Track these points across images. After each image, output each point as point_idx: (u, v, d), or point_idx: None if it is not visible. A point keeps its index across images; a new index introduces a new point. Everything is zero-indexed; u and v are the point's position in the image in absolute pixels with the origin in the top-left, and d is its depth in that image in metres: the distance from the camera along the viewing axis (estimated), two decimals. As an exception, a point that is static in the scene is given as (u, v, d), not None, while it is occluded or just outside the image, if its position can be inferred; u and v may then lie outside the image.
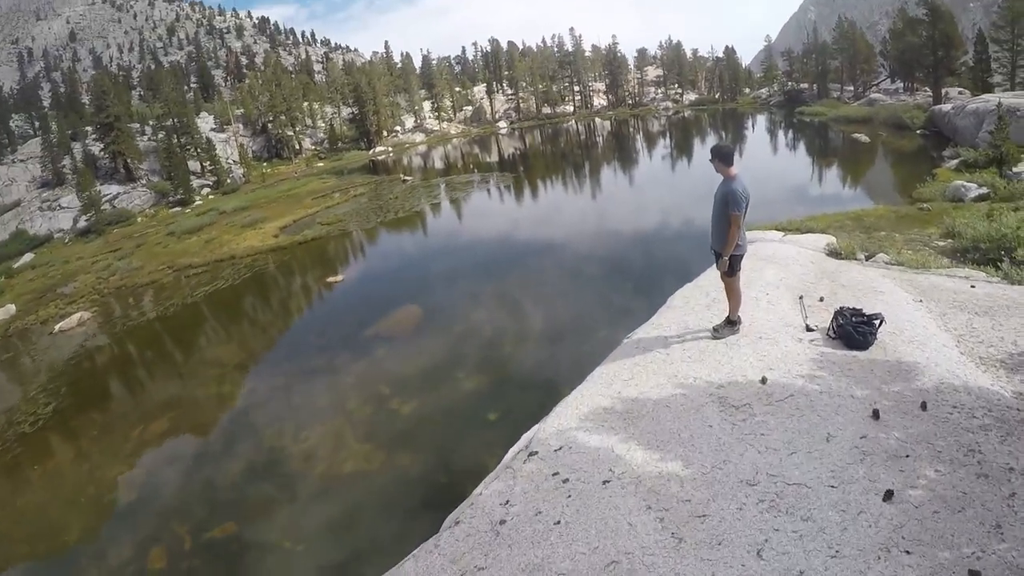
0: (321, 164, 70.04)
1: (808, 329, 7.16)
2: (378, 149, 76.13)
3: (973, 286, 8.29)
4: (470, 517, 4.85)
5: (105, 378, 19.48)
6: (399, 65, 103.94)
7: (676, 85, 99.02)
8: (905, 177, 27.32)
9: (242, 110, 76.92)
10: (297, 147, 75.34)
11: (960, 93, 45.91)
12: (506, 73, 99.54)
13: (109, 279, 31.37)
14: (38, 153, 56.59)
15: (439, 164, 63.72)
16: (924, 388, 5.48)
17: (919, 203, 19.86)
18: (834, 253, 11.36)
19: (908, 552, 3.64)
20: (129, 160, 55.12)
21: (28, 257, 43.01)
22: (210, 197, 54.95)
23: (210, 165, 59.37)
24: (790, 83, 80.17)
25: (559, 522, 4.43)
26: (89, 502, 12.46)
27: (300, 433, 13.34)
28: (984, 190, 19.44)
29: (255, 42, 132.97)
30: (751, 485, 4.44)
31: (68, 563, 10.86)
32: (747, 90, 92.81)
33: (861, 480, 4.33)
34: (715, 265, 7.23)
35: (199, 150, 59.75)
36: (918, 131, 39.56)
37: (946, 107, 37.39)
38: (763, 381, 5.98)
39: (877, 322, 6.61)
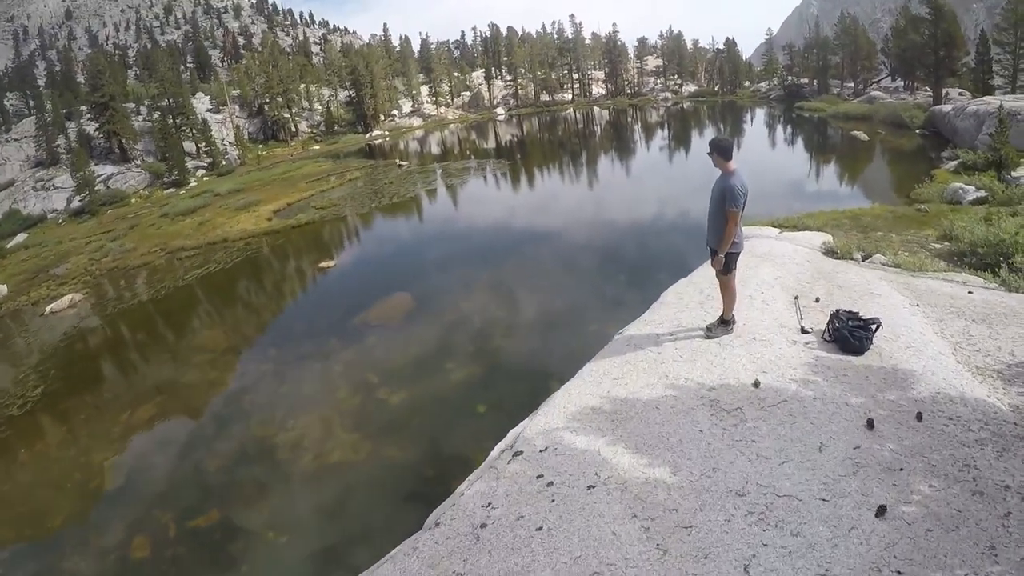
0: (317, 147, 69.53)
1: (803, 331, 7.02)
2: (375, 133, 75.62)
3: (970, 292, 8.17)
4: (451, 519, 4.71)
5: (95, 361, 19.31)
6: (397, 48, 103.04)
7: (676, 76, 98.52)
8: (903, 177, 27.21)
9: (238, 91, 76.12)
10: (293, 129, 74.70)
11: (960, 94, 45.78)
12: (505, 59, 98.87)
13: (101, 260, 31.11)
14: (32, 132, 56.01)
15: (436, 149, 63.36)
16: (920, 398, 5.35)
17: (917, 204, 19.76)
18: (830, 252, 11.24)
19: (900, 572, 3.53)
20: (124, 140, 54.58)
21: (21, 237, 42.69)
22: (205, 179, 54.48)
23: (205, 146, 58.84)
24: (790, 77, 79.82)
25: (541, 528, 4.29)
26: (75, 487, 12.34)
27: (287, 421, 13.22)
28: (982, 193, 19.33)
29: (252, 22, 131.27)
30: (740, 495, 4.31)
31: (52, 549, 10.74)
32: (747, 83, 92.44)
33: (854, 494, 4.20)
34: (710, 262, 7.06)
35: (194, 131, 59.19)
36: (917, 131, 39.43)
37: (946, 107, 37.25)
38: (756, 384, 5.84)
39: (874, 327, 6.47)
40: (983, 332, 6.73)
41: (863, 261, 10.75)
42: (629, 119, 75.72)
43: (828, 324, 6.77)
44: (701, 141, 50.92)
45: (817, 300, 8.05)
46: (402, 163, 50.33)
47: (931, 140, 35.75)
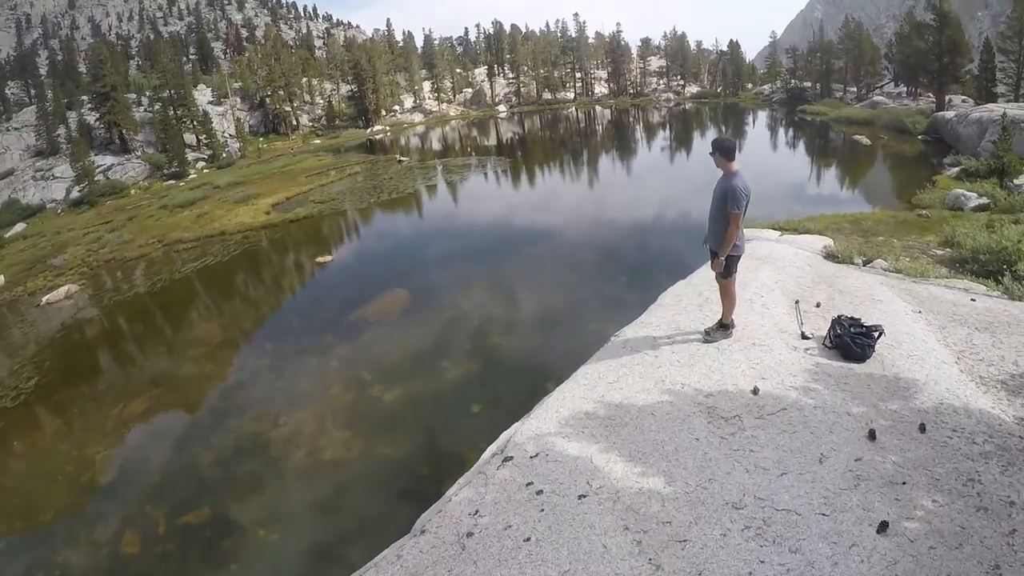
0: (318, 141, 69.26)
1: (804, 337, 6.86)
2: (376, 128, 75.34)
3: (973, 299, 8.02)
4: (436, 527, 4.55)
5: (89, 353, 19.24)
6: (400, 44, 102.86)
7: (679, 77, 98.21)
8: (904, 182, 27.12)
9: (240, 84, 75.75)
10: (294, 123, 74.39)
11: (963, 101, 45.62)
12: (508, 56, 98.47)
13: (99, 251, 31.01)
14: (33, 121, 55.65)
15: (437, 145, 63.20)
16: (923, 408, 5.20)
17: (918, 209, 19.65)
18: (831, 256, 11.08)
19: (903, 593, 3.37)
20: (124, 131, 54.29)
21: (20, 227, 42.50)
22: (205, 171, 54.24)
23: (206, 138, 58.59)
24: (793, 81, 79.59)
25: (529, 539, 4.12)
26: (66, 481, 12.29)
27: (280, 417, 13.18)
28: (984, 200, 19.21)
29: (256, 15, 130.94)
30: (737, 508, 4.15)
31: (42, 542, 10.71)
32: (749, 85, 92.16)
33: (855, 508, 4.05)
34: (710, 265, 6.88)
35: (195, 123, 58.92)
36: (919, 136, 39.31)
37: (949, 114, 37.08)
38: (755, 391, 5.68)
39: (876, 334, 6.32)
40: (986, 341, 6.58)
41: (864, 266, 10.60)
42: (631, 119, 75.53)
43: (829, 330, 6.61)
44: (702, 142, 50.84)
45: (818, 305, 7.89)
46: (402, 159, 50.11)
47: (933, 146, 35.62)
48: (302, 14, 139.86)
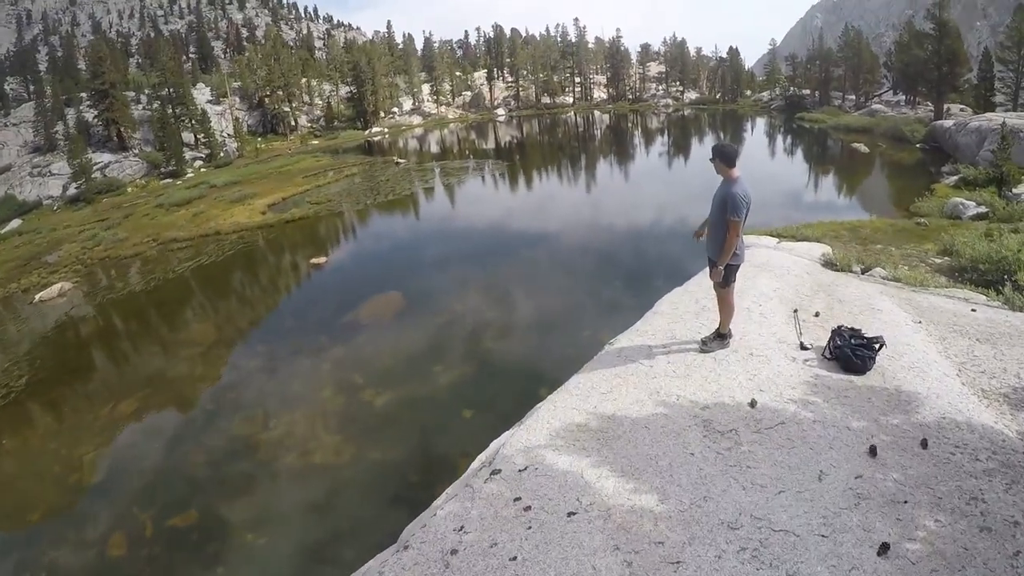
0: (316, 142, 69.17)
1: (802, 347, 6.70)
2: (374, 130, 75.28)
3: (974, 310, 7.88)
4: (420, 542, 4.36)
5: (81, 351, 19.07)
6: (400, 46, 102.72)
7: (678, 83, 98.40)
8: (903, 190, 27.07)
9: (239, 83, 75.61)
10: (293, 124, 74.24)
11: (962, 110, 45.78)
12: (508, 60, 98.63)
13: (94, 249, 30.83)
14: (31, 117, 55.45)
15: (435, 148, 63.17)
16: (925, 423, 5.04)
17: (916, 217, 19.58)
18: (830, 264, 10.93)
19: (906, 622, 3.20)
20: (122, 128, 54.17)
21: (16, 223, 42.34)
22: (202, 170, 54.13)
23: (204, 137, 58.45)
24: (792, 88, 79.76)
25: (515, 558, 3.94)
26: (54, 481, 12.14)
27: (270, 420, 13.07)
28: (983, 209, 19.14)
29: (257, 15, 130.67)
30: (733, 529, 3.97)
31: (29, 543, 10.59)
32: (748, 92, 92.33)
33: (855, 529, 3.88)
34: (708, 273, 6.70)
35: (194, 122, 58.76)
36: (918, 145, 39.34)
37: (947, 123, 37.11)
38: (752, 404, 5.51)
39: (877, 346, 6.16)
40: (988, 352, 6.44)
41: (863, 274, 10.45)
42: (629, 124, 75.62)
43: (829, 341, 6.44)
44: (701, 148, 50.88)
45: (817, 314, 7.74)
46: (400, 161, 50.02)
47: (931, 155, 35.63)
48: (303, 15, 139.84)
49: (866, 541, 3.77)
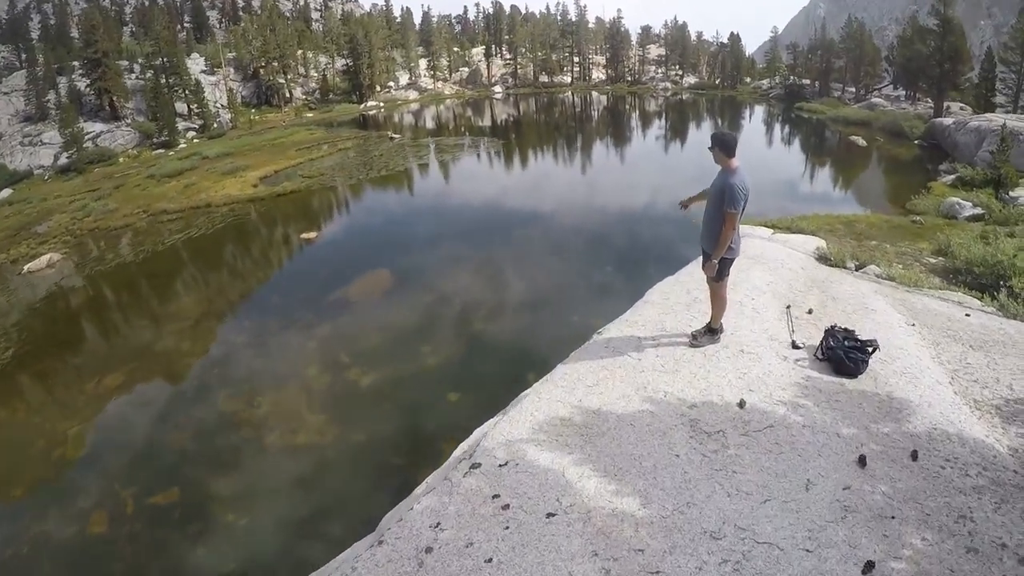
0: (310, 115, 68.19)
1: (794, 346, 6.57)
2: (369, 104, 74.29)
3: (968, 314, 7.77)
4: (396, 537, 4.22)
5: (68, 324, 18.83)
6: (398, 20, 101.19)
7: (677, 67, 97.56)
8: (899, 186, 26.98)
9: (234, 54, 74.21)
10: (288, 96, 73.06)
11: (962, 108, 45.55)
12: (506, 37, 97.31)
13: (83, 220, 30.27)
14: (23, 86, 54.16)
15: (430, 124, 62.61)
16: (916, 432, 4.93)
17: (912, 215, 19.49)
18: (824, 258, 10.81)
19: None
20: (115, 98, 53.06)
21: (6, 193, 41.55)
22: (195, 141, 53.26)
23: (197, 108, 57.38)
24: (792, 77, 79.18)
25: (491, 560, 3.80)
26: (37, 456, 11.99)
27: (255, 398, 12.98)
28: (979, 210, 19.04)
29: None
30: (715, 539, 3.84)
31: (10, 519, 10.47)
32: (748, 79, 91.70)
33: (840, 544, 3.76)
34: (702, 266, 6.50)
35: (187, 92, 57.62)
36: (916, 141, 39.18)
37: (947, 121, 36.92)
38: (741, 405, 5.38)
39: (871, 349, 6.03)
40: (981, 360, 6.34)
41: (857, 271, 10.34)
42: (627, 106, 75.06)
43: (822, 341, 6.30)
44: (698, 133, 50.64)
45: (810, 312, 7.62)
46: (394, 136, 49.44)
47: (929, 152, 35.47)
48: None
49: (851, 558, 3.65)
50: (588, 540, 3.87)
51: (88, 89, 53.67)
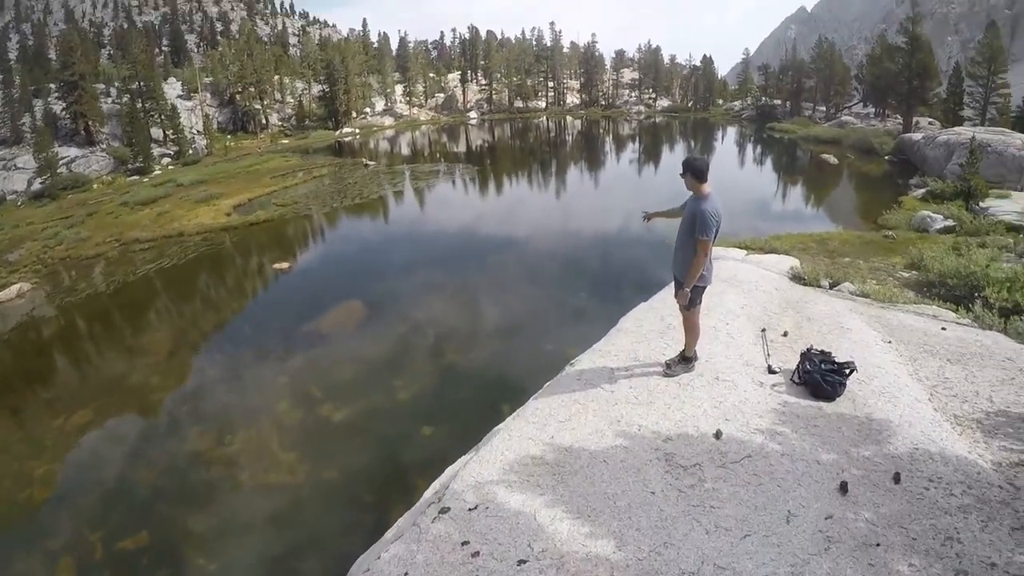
0: (286, 141, 68.04)
1: (770, 371, 6.44)
2: (345, 130, 74.34)
3: (944, 328, 7.74)
4: (360, 589, 4.00)
5: (36, 357, 18.31)
6: (375, 45, 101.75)
7: (651, 90, 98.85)
8: (870, 202, 27.31)
9: (211, 78, 74.17)
10: (264, 122, 72.96)
11: (930, 123, 46.53)
12: (482, 63, 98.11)
13: (55, 248, 29.66)
14: (-2, 108, 53.60)
15: (405, 150, 62.69)
16: (897, 454, 4.81)
17: (884, 230, 19.68)
18: (798, 278, 10.76)
19: None
20: (91, 122, 52.51)
21: (-23, 219, 40.74)
22: (170, 167, 52.81)
23: (173, 134, 56.95)
24: (764, 98, 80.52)
25: (459, 613, 3.60)
26: (3, 497, 11.57)
27: (225, 436, 12.65)
28: (950, 222, 19.27)
29: (232, 8, 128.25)
30: (694, 581, 3.66)
31: None
32: (720, 101, 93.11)
33: (824, 580, 3.59)
34: (674, 294, 6.36)
35: (163, 117, 57.20)
36: (886, 157, 39.85)
37: (916, 136, 37.60)
38: (717, 435, 5.22)
39: (848, 371, 5.92)
40: (959, 374, 6.29)
41: (831, 289, 10.31)
42: (601, 130, 75.83)
43: (798, 365, 6.19)
44: (671, 156, 51.12)
45: (785, 334, 7.51)
46: (369, 163, 49.40)
47: (899, 167, 36.06)
48: (279, 10, 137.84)
49: (836, 593, 3.49)
50: (561, 587, 3.67)
51: (64, 112, 53.09)
